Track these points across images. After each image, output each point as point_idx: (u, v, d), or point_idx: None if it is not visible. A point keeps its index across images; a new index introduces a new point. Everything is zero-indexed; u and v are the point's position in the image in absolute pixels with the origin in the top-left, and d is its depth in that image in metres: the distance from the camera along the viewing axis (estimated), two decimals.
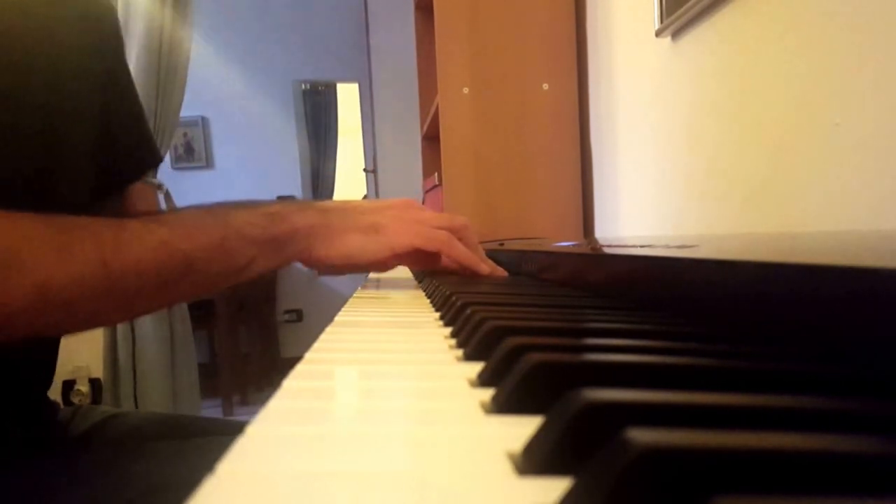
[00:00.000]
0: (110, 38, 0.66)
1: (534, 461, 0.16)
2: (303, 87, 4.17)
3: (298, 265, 0.63)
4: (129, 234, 0.47)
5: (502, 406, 0.20)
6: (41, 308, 0.42)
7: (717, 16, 0.98)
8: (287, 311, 3.88)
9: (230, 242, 0.52)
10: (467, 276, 0.67)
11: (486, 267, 0.67)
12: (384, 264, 0.64)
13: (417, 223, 0.62)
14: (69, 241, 0.44)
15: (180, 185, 3.01)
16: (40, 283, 0.42)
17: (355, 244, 0.59)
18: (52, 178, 0.55)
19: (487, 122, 1.55)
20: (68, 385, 2.09)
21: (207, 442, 0.63)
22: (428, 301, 0.55)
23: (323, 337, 0.35)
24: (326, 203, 0.62)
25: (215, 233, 0.52)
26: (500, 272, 0.69)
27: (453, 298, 0.43)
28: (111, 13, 0.67)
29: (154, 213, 0.54)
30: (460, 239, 0.64)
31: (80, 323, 0.49)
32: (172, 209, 0.54)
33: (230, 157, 3.95)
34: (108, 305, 0.47)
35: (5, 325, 0.42)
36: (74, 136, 0.57)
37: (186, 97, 2.23)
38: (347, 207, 0.61)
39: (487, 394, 0.22)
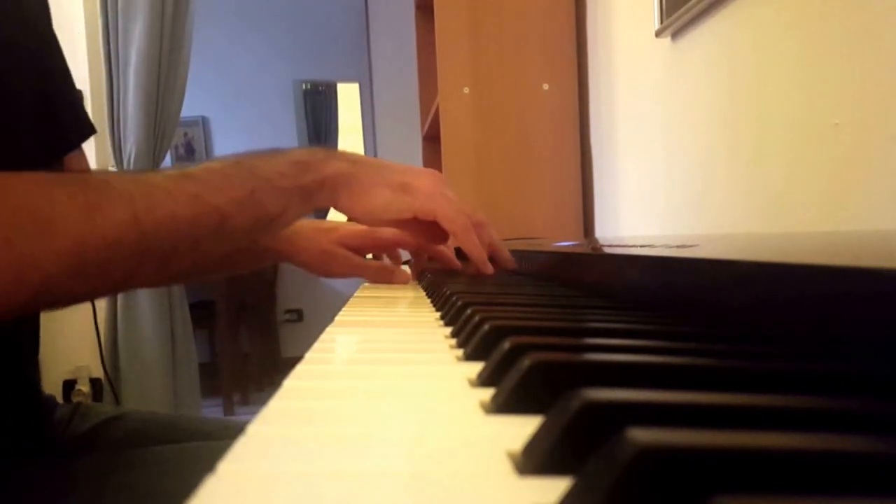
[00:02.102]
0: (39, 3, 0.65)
1: (534, 461, 0.16)
2: (303, 87, 4.17)
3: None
4: (160, 191, 0.46)
5: (502, 406, 0.20)
6: (77, 273, 0.41)
7: (717, 16, 0.98)
8: (287, 311, 3.87)
9: (261, 194, 0.51)
10: (470, 272, 0.67)
11: (491, 268, 0.67)
12: (403, 225, 0.64)
13: (445, 197, 0.61)
14: (98, 201, 0.43)
15: None
16: (74, 246, 0.41)
17: (381, 199, 0.59)
18: None
19: (487, 122, 1.55)
20: (69, 385, 2.09)
21: (207, 443, 0.63)
22: (428, 301, 0.55)
23: (323, 337, 0.35)
24: (354, 154, 0.61)
25: (246, 184, 0.51)
26: (511, 264, 0.69)
27: (453, 298, 0.43)
28: None
29: (179, 167, 0.52)
30: (476, 233, 0.64)
31: (116, 285, 0.48)
32: (202, 163, 0.53)
33: None
34: (143, 265, 0.45)
35: (43, 292, 0.40)
36: (15, 81, 0.56)
37: (186, 97, 2.23)
38: (380, 163, 0.61)
39: (487, 394, 0.22)
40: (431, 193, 0.60)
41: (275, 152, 0.55)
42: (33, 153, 0.59)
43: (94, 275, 0.43)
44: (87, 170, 0.75)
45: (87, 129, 0.72)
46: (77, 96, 0.71)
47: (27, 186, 0.41)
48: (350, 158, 0.59)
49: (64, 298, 0.43)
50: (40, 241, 0.40)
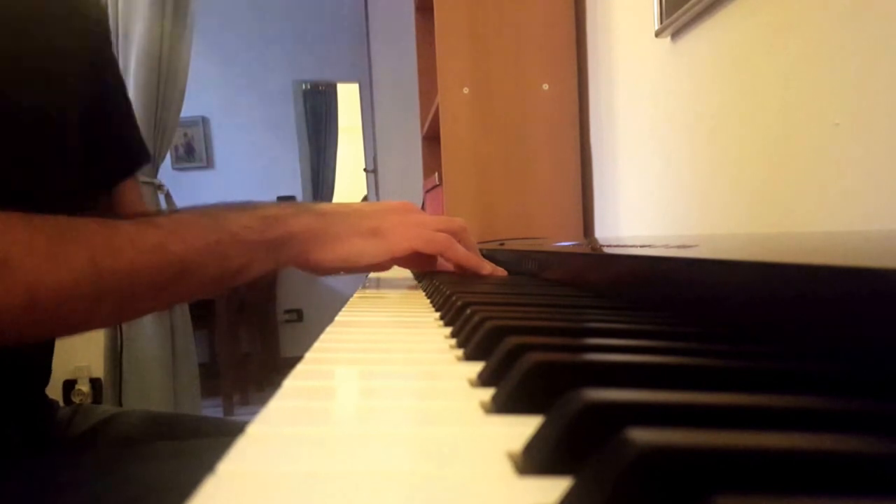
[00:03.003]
0: (97, 27, 0.66)
1: (534, 461, 0.16)
2: (303, 87, 4.17)
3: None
4: (122, 238, 0.47)
5: (502, 406, 0.20)
6: (30, 312, 0.42)
7: (717, 16, 0.98)
8: (287, 311, 3.87)
9: (224, 246, 0.51)
10: (469, 275, 0.67)
11: (488, 267, 0.67)
12: (382, 267, 0.64)
13: (417, 226, 0.62)
14: (60, 244, 0.43)
15: (180, 185, 3.01)
16: (29, 287, 0.41)
17: (354, 248, 0.59)
18: (42, 162, 0.55)
19: (487, 122, 1.55)
20: (69, 385, 2.09)
21: (208, 443, 0.63)
22: (428, 301, 0.55)
23: (323, 337, 0.35)
24: (324, 206, 0.61)
25: (210, 236, 0.51)
26: (500, 272, 0.69)
27: (453, 298, 0.43)
28: (97, 5, 0.67)
29: (147, 215, 0.53)
30: (459, 241, 0.64)
31: (71, 327, 0.48)
32: (170, 210, 0.53)
33: (230, 157, 3.95)
34: (99, 310, 0.46)
35: None
36: (64, 117, 0.57)
37: (186, 97, 2.23)
38: (347, 211, 0.61)
39: (487, 394, 0.22)
40: (402, 231, 0.60)
41: (245, 205, 0.56)
42: (79, 182, 0.60)
43: (49, 316, 0.43)
44: (138, 200, 0.75)
45: (141, 158, 0.73)
46: (133, 124, 0.71)
47: None
48: (318, 211, 0.59)
49: (14, 337, 0.44)
50: None
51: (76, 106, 0.59)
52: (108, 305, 0.46)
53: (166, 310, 0.60)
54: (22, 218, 0.43)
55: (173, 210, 0.57)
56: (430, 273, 0.75)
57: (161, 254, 0.48)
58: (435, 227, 0.63)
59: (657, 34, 1.14)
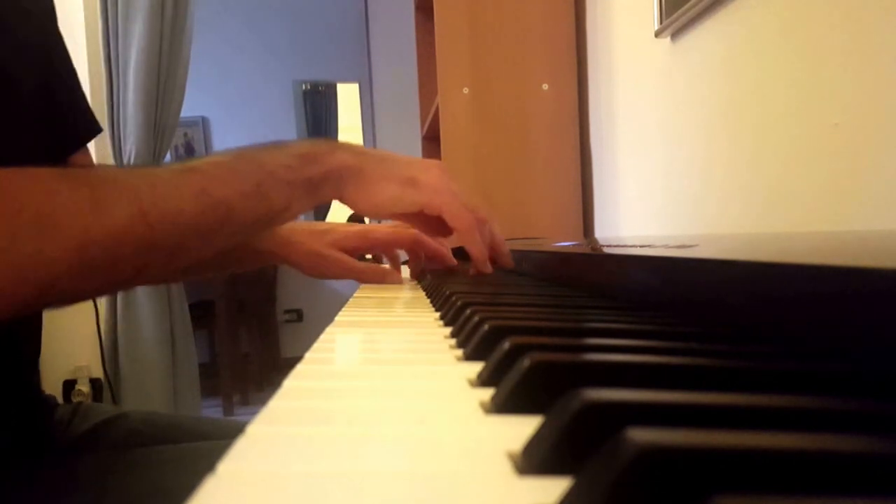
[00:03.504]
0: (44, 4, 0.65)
1: (533, 461, 0.16)
2: (303, 87, 4.17)
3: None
4: (165, 185, 0.45)
5: (502, 406, 0.20)
6: (84, 270, 0.41)
7: (717, 16, 0.98)
8: (287, 311, 3.87)
9: (266, 187, 0.51)
10: (471, 272, 0.67)
11: (491, 267, 0.66)
12: (406, 218, 0.64)
13: (452, 193, 0.60)
14: (104, 195, 0.42)
15: None
16: (80, 242, 0.40)
17: (388, 193, 0.58)
18: (2, 128, 0.54)
19: (487, 122, 1.55)
20: (69, 385, 2.09)
21: (208, 445, 0.63)
22: (428, 301, 0.55)
23: (323, 337, 0.35)
24: (361, 147, 0.60)
25: (251, 178, 0.50)
26: (510, 264, 0.69)
27: (453, 298, 0.43)
28: None
29: (184, 160, 0.51)
30: (478, 230, 0.63)
31: (123, 282, 0.47)
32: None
33: None
34: (150, 260, 0.45)
35: (47, 290, 0.40)
36: (19, 78, 0.56)
37: (186, 97, 2.23)
38: (383, 155, 0.60)
39: (487, 394, 0.22)
40: (438, 189, 0.59)
41: (278, 145, 0.55)
42: (37, 151, 0.59)
43: (101, 271, 0.42)
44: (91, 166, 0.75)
45: (93, 128, 0.72)
46: (83, 95, 0.71)
47: (28, 182, 0.40)
48: (355, 150, 0.58)
49: (69, 296, 0.43)
50: (43, 239, 0.39)
51: (32, 70, 0.58)
52: (159, 255, 0.45)
53: (212, 258, 0.58)
54: (61, 172, 0.42)
55: (207, 155, 0.56)
56: (429, 273, 0.76)
57: (205, 199, 0.47)
58: (467, 201, 0.62)
59: (657, 34, 1.14)
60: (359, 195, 0.57)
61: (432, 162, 0.62)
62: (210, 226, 0.47)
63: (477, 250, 0.64)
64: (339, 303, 0.56)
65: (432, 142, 1.92)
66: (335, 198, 0.57)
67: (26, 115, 0.57)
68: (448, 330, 0.37)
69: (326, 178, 0.55)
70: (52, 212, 0.40)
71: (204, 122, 3.92)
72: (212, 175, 0.49)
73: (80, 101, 0.70)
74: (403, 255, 0.85)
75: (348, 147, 0.58)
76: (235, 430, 0.52)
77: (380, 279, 0.75)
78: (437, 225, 0.63)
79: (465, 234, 0.62)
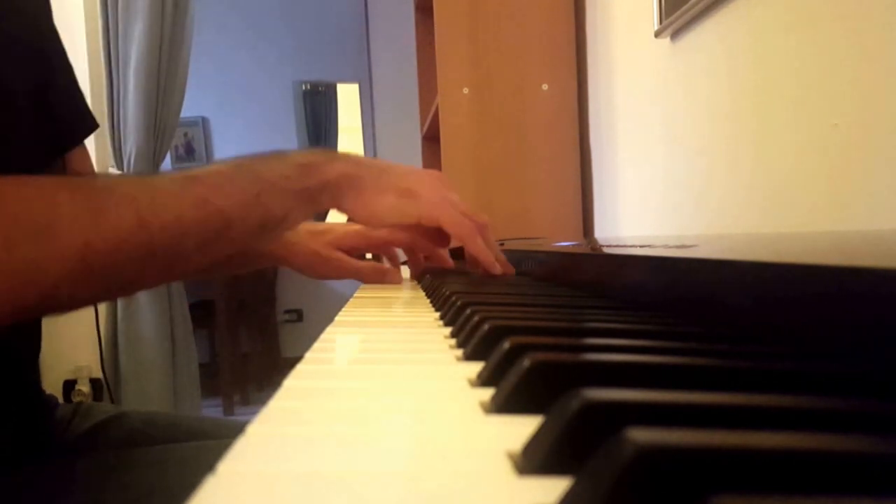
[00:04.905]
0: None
1: (533, 461, 0.16)
2: (303, 87, 4.16)
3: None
4: (165, 194, 0.46)
5: (502, 406, 0.20)
6: (83, 278, 0.41)
7: (717, 16, 0.98)
8: (287, 311, 3.87)
9: (266, 197, 0.51)
10: (479, 274, 0.67)
11: (499, 267, 0.67)
12: (405, 228, 0.64)
13: (449, 203, 0.61)
14: (104, 204, 0.42)
15: None
16: (80, 251, 0.40)
17: (386, 204, 0.58)
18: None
19: (487, 122, 1.55)
20: (69, 385, 2.09)
21: (208, 445, 0.63)
22: (428, 301, 0.55)
23: (323, 337, 0.35)
24: (359, 156, 0.61)
25: (251, 187, 0.50)
26: (510, 270, 0.69)
27: (453, 298, 0.43)
28: None
29: (183, 170, 0.52)
30: (480, 235, 0.64)
31: (121, 289, 0.47)
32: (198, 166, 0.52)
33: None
34: (149, 268, 0.45)
35: (47, 298, 0.40)
36: (12, 76, 0.56)
37: (186, 97, 2.23)
38: (381, 165, 0.60)
39: (487, 393, 0.22)
40: (435, 200, 0.60)
41: (277, 155, 0.55)
42: (32, 149, 0.59)
43: (100, 279, 0.42)
44: (90, 168, 0.75)
45: (89, 125, 0.72)
46: (79, 92, 0.71)
47: (28, 191, 0.40)
48: (353, 161, 0.59)
49: (69, 304, 0.43)
50: (43, 247, 0.39)
51: (25, 67, 0.58)
52: (159, 262, 0.45)
53: (210, 265, 0.58)
54: (59, 181, 0.42)
55: (205, 164, 0.56)
56: (429, 273, 0.76)
57: (205, 208, 0.47)
58: (464, 210, 0.62)
59: (657, 34, 1.14)
60: (357, 205, 0.58)
61: (430, 172, 0.63)
62: (209, 235, 0.48)
63: (483, 253, 0.64)
64: (339, 303, 0.56)
65: (432, 142, 1.92)
66: (333, 206, 0.58)
67: (21, 112, 0.57)
68: (448, 330, 0.37)
69: (325, 189, 0.56)
70: (51, 220, 0.40)
71: (204, 122, 3.92)
72: (211, 184, 0.49)
73: (76, 98, 0.70)
74: (403, 255, 0.85)
75: (347, 157, 0.59)
76: (235, 430, 0.52)
77: (380, 279, 0.75)
78: (435, 235, 0.63)
79: (467, 241, 0.63)
